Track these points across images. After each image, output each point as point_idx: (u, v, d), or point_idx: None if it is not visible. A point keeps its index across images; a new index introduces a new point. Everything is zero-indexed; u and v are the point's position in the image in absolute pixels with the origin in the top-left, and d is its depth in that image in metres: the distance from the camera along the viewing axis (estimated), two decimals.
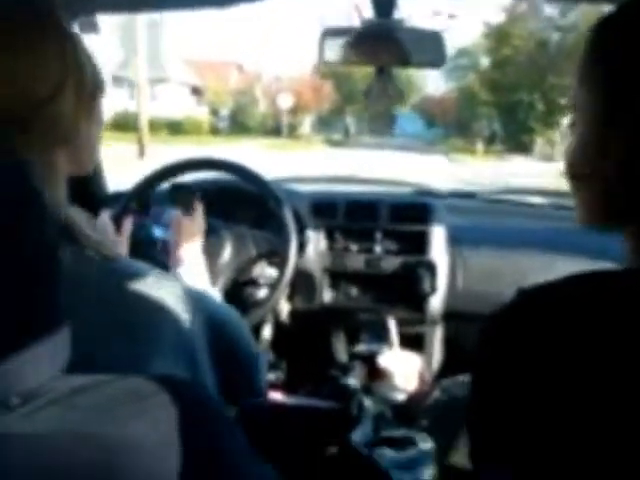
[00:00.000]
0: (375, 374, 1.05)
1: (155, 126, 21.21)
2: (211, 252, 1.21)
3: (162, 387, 0.41)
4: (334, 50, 1.16)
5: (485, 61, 31.66)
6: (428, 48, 1.15)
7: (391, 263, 1.47)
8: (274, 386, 1.27)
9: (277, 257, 1.34)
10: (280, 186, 1.51)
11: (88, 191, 1.47)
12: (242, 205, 1.46)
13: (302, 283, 1.47)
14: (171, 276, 0.67)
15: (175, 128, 23.40)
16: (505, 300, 0.48)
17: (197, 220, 1.09)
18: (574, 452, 0.42)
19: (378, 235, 1.50)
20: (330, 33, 1.17)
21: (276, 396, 1.07)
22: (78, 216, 0.60)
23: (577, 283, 0.47)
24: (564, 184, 0.57)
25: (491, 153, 24.14)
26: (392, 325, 1.15)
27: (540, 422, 0.43)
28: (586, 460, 0.41)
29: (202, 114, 27.45)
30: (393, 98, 1.27)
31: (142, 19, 13.54)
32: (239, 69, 33.76)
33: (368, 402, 0.96)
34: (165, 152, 10.39)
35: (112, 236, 0.97)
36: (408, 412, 0.92)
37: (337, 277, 1.51)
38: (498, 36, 26.96)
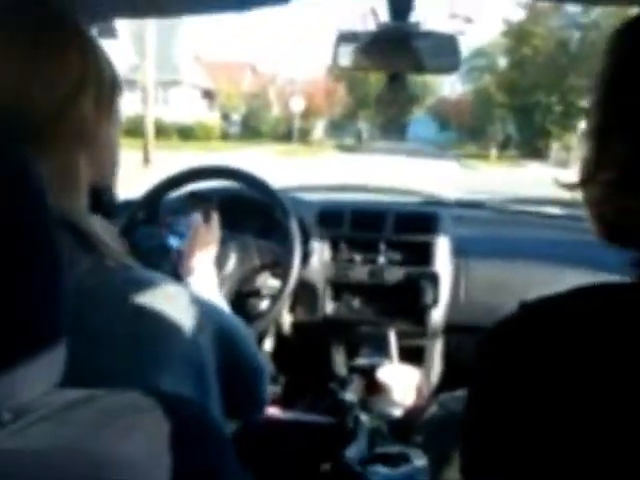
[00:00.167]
0: (373, 388, 1.05)
1: (166, 131, 21.22)
2: (215, 262, 1.22)
3: (156, 403, 0.41)
4: (348, 55, 1.15)
5: (502, 61, 31.33)
6: (443, 53, 1.13)
7: (394, 274, 1.47)
8: (271, 401, 1.27)
9: (280, 268, 1.33)
10: (287, 195, 1.51)
11: (98, 200, 1.48)
12: (248, 214, 1.46)
13: (305, 294, 1.47)
14: (184, 288, 0.67)
15: (186, 133, 23.33)
16: (508, 313, 0.47)
17: (213, 229, 1.07)
18: (571, 469, 0.41)
19: (382, 245, 1.50)
20: (345, 37, 1.16)
21: (273, 411, 1.07)
22: (97, 224, 0.61)
23: (581, 296, 0.45)
24: (579, 194, 0.54)
25: (505, 159, 23.81)
26: (392, 338, 1.15)
27: (537, 437, 0.42)
28: (582, 476, 0.41)
29: (213, 119, 27.28)
30: (404, 106, 1.26)
31: (153, 22, 13.50)
32: (253, 70, 33.55)
33: (364, 417, 0.96)
34: (171, 159, 10.27)
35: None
36: (404, 428, 0.92)
37: (340, 288, 1.51)
38: (518, 34, 26.49)
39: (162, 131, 19.46)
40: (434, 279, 1.43)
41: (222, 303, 0.96)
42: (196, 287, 0.97)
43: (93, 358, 0.53)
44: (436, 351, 1.49)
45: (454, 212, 1.69)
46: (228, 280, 1.31)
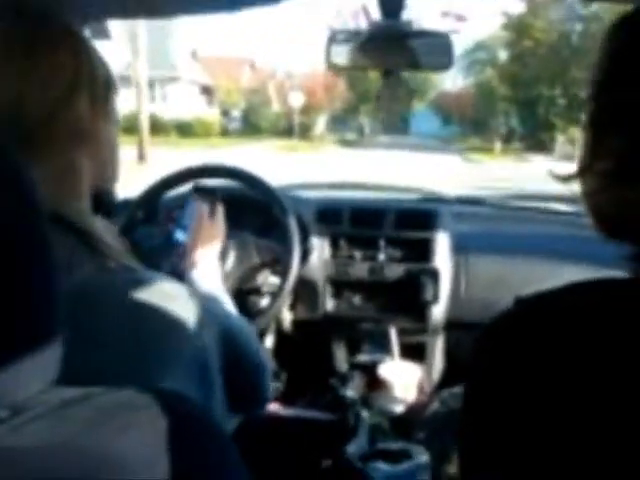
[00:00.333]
0: (374, 384, 1.06)
1: (164, 128, 21.14)
2: None
3: (153, 400, 0.40)
4: (342, 54, 1.15)
5: (503, 54, 31.15)
6: (437, 51, 1.14)
7: (394, 271, 1.47)
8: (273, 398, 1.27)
9: (280, 266, 1.34)
10: (286, 193, 1.51)
11: (99, 200, 1.48)
12: (247, 212, 1.46)
13: (305, 292, 1.48)
14: (185, 287, 0.67)
15: (184, 130, 23.20)
16: (504, 309, 0.47)
17: (218, 223, 1.05)
18: (569, 465, 0.41)
19: (382, 242, 1.50)
20: (336, 37, 1.16)
21: (273, 407, 1.07)
22: (99, 224, 0.61)
23: (577, 291, 0.45)
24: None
25: (509, 152, 23.61)
26: (393, 335, 1.16)
27: (534, 433, 0.42)
28: (580, 473, 0.41)
29: (212, 115, 27.13)
30: (403, 100, 1.27)
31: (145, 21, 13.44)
32: (251, 66, 33.44)
33: (365, 414, 0.96)
34: (168, 156, 10.19)
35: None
36: (405, 424, 0.92)
37: (340, 286, 1.52)
38: (518, 27, 26.24)
39: (160, 128, 19.37)
40: (434, 275, 1.44)
41: (226, 298, 0.94)
42: (199, 282, 0.94)
43: (97, 360, 0.53)
44: (437, 347, 1.49)
45: (454, 208, 1.69)
46: (228, 278, 1.31)
